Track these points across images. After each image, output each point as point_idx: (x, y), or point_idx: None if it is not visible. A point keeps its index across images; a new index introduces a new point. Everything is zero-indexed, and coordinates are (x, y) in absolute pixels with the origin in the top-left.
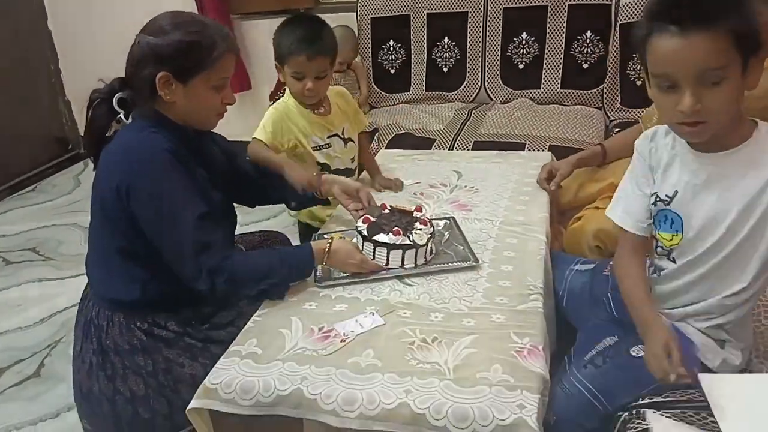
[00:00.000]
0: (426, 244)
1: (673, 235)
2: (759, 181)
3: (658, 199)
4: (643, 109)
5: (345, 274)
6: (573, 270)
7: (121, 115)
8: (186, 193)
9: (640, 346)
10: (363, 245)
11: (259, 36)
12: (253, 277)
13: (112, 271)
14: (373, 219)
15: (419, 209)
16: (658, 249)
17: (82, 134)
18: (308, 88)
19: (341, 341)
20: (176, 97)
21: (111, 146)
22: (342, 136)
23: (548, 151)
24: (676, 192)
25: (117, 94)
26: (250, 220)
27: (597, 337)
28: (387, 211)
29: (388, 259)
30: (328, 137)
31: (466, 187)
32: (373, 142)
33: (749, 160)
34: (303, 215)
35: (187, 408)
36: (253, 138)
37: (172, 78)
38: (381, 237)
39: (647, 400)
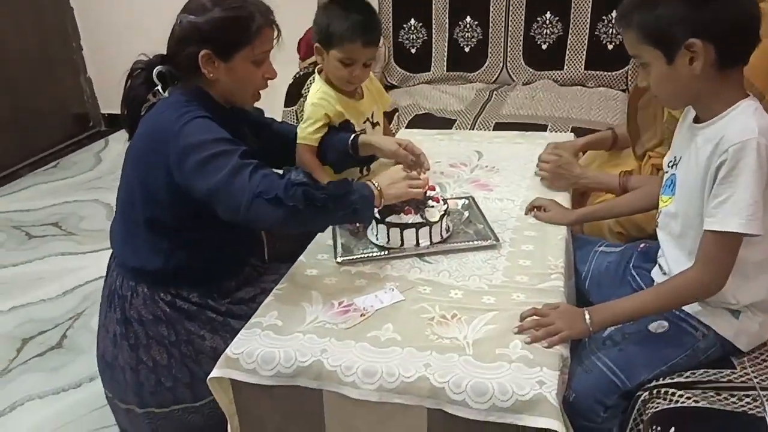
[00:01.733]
0: (439, 221)
1: (669, 198)
2: (705, 156)
3: (670, 163)
4: None
5: (366, 250)
6: (598, 251)
7: (158, 88)
8: (225, 136)
9: (658, 321)
10: (377, 228)
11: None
12: (331, 192)
13: (139, 240)
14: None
15: (432, 188)
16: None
17: (120, 106)
18: (355, 75)
19: (361, 315)
20: (219, 74)
21: (147, 120)
22: (372, 120)
23: (571, 132)
24: (680, 157)
25: (157, 68)
26: None
27: None
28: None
29: (402, 240)
30: (364, 122)
31: (487, 167)
32: (394, 121)
33: (711, 134)
34: None
35: (209, 377)
36: (300, 144)
37: (213, 56)
38: (393, 218)
39: (668, 380)
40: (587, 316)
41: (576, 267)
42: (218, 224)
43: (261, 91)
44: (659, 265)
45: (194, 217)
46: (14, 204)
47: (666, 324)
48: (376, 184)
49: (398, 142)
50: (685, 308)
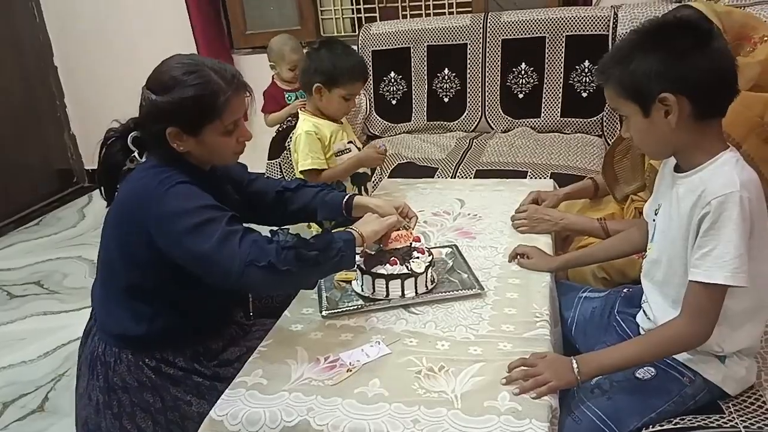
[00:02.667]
0: (425, 272)
1: (651, 246)
2: (688, 206)
3: (656, 210)
4: None
5: (350, 303)
6: (582, 297)
7: (135, 154)
8: (210, 203)
9: (645, 368)
10: (362, 279)
11: (255, 69)
12: (318, 247)
13: (122, 306)
14: (370, 252)
15: (417, 239)
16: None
17: (96, 169)
18: (351, 107)
19: (347, 371)
20: (189, 146)
21: (126, 186)
22: (355, 144)
23: (550, 178)
24: (660, 204)
25: (132, 133)
26: None
27: None
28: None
29: (387, 291)
30: (348, 143)
31: (469, 215)
32: (376, 171)
33: (693, 185)
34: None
35: None
36: (302, 171)
37: (181, 132)
38: (378, 269)
39: (657, 427)
40: (575, 366)
41: (561, 314)
42: (200, 284)
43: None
44: (644, 311)
45: (176, 279)
46: None
47: (653, 370)
48: (355, 230)
49: (395, 206)
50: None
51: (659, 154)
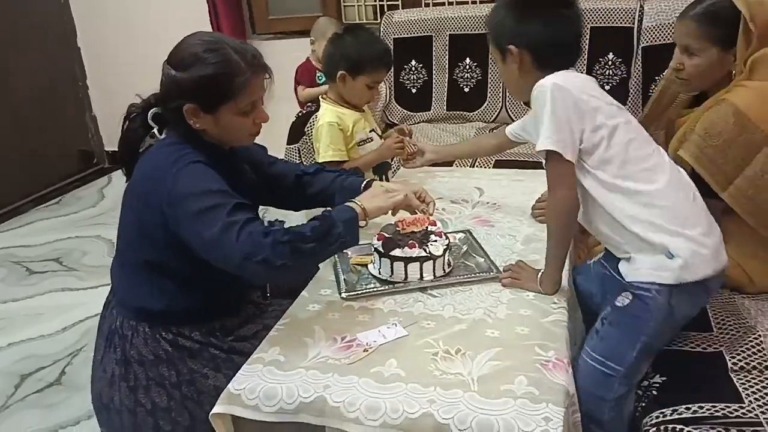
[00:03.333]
0: (443, 255)
1: None
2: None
3: None
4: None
5: (369, 285)
6: (591, 264)
7: (155, 130)
8: (218, 188)
9: (623, 294)
10: (380, 262)
11: (276, 55)
12: (316, 236)
13: (140, 281)
14: (388, 236)
15: (434, 223)
16: None
17: (117, 147)
18: (375, 95)
19: (364, 350)
20: (206, 124)
21: (143, 164)
22: (377, 132)
23: None
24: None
25: (152, 110)
26: None
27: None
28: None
29: (406, 273)
30: (370, 131)
31: (488, 203)
32: (394, 158)
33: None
34: None
35: (211, 413)
36: (324, 163)
37: (198, 109)
38: (397, 252)
39: (675, 416)
40: (538, 277)
41: (585, 289)
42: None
43: (264, 126)
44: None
45: (191, 258)
46: (16, 239)
47: (630, 295)
48: (359, 202)
49: (413, 190)
50: (632, 277)
51: (515, 94)
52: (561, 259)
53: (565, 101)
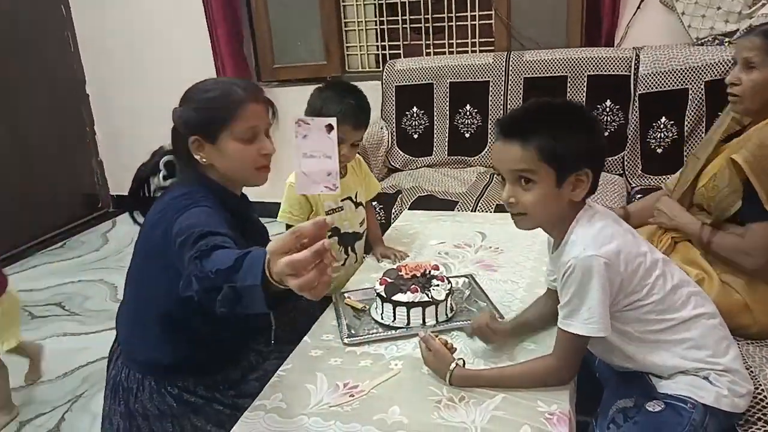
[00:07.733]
0: (445, 300)
1: None
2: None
3: None
4: (665, 176)
5: (372, 330)
6: None
7: (160, 175)
8: (212, 230)
9: (655, 401)
10: (383, 306)
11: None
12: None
13: (147, 334)
14: (390, 280)
15: (436, 267)
16: None
17: (122, 196)
18: (343, 154)
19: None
20: (211, 157)
21: (153, 212)
22: (354, 200)
23: None
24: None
25: (165, 157)
26: None
27: (619, 393)
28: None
29: (408, 318)
30: (342, 200)
31: (491, 248)
32: (396, 203)
33: (560, 259)
34: None
35: None
36: (281, 223)
37: (201, 140)
38: (399, 296)
39: None
40: (451, 368)
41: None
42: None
43: (274, 171)
44: None
45: (198, 309)
46: (20, 283)
47: (662, 403)
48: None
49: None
50: (667, 389)
51: (546, 223)
52: (497, 386)
53: (613, 284)
